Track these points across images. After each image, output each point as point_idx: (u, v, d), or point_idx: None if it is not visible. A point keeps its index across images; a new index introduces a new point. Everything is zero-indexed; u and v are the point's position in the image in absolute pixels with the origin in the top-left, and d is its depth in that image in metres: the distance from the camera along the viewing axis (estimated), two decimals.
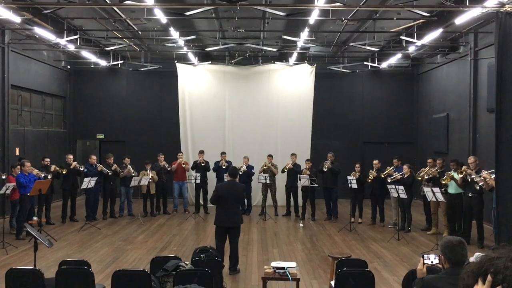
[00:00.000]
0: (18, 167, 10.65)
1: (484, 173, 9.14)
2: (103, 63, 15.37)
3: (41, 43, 13.41)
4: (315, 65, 15.61)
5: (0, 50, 12.64)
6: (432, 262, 3.82)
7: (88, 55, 14.75)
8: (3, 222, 9.76)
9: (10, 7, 9.46)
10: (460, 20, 9.86)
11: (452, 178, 9.92)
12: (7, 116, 12.79)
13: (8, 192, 9.93)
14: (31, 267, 5.59)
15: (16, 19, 9.89)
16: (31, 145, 14.13)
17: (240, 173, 13.12)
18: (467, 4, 8.82)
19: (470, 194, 9.64)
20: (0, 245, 9.07)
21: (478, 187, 9.35)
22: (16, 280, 5.00)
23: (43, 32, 11.40)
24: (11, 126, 13.04)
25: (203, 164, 13.61)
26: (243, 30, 12.46)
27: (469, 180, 9.52)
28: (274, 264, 5.92)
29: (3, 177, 10.29)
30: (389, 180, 11.34)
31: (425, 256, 3.87)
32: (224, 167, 13.15)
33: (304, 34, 11.71)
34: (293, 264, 5.95)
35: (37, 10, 10.71)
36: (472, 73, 12.89)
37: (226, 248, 7.75)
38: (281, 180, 13.64)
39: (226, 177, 8.44)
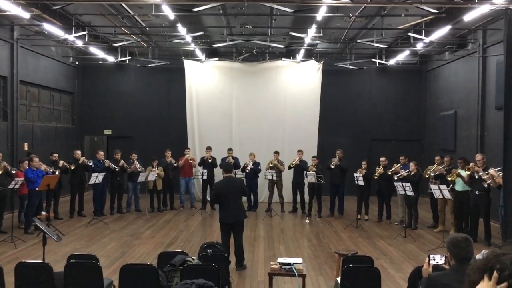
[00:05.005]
0: (26, 162, 10.74)
1: (492, 171, 9.06)
2: (111, 59, 15.42)
3: (49, 39, 13.50)
4: (322, 61, 15.57)
5: (9, 46, 12.74)
6: (437, 262, 3.83)
7: (96, 51, 14.80)
8: (12, 216, 9.86)
9: (19, 3, 9.52)
10: (468, 17, 9.80)
11: (459, 175, 9.87)
12: (16, 112, 12.90)
13: (16, 187, 10.04)
14: (40, 261, 5.66)
15: (25, 15, 9.94)
16: (39, 140, 14.23)
17: (247, 170, 13.15)
18: (476, 0, 8.75)
19: (477, 192, 9.57)
20: (9, 239, 9.16)
21: (486, 185, 9.30)
22: (25, 273, 5.06)
23: (51, 28, 11.47)
24: (19, 122, 13.14)
25: (210, 160, 13.66)
26: (250, 27, 12.46)
27: (477, 177, 9.48)
28: (280, 260, 5.92)
29: (13, 171, 10.37)
30: (395, 178, 11.32)
31: (431, 256, 3.89)
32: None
33: (312, 31, 11.66)
34: (299, 260, 5.96)
35: (45, 6, 10.76)
36: (480, 70, 12.81)
37: (232, 245, 7.79)
38: (287, 176, 13.64)
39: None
